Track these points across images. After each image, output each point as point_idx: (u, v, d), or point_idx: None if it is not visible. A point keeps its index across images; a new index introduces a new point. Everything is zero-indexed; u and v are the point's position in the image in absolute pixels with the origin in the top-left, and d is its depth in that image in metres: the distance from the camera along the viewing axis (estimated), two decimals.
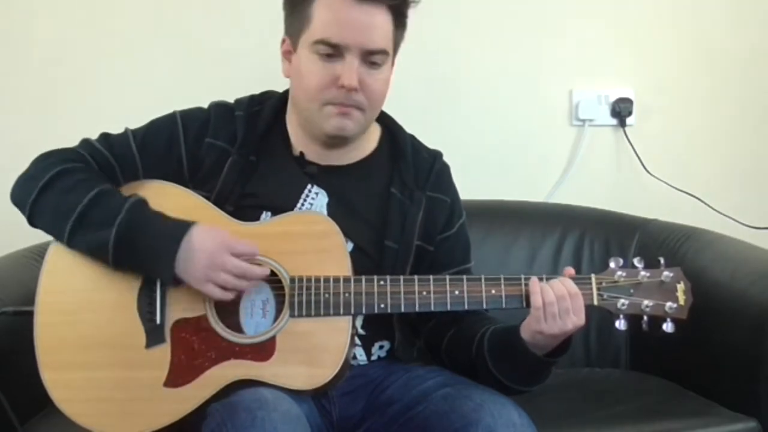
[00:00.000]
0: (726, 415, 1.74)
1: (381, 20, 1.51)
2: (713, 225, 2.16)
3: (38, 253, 1.76)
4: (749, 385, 1.76)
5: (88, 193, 1.47)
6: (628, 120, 2.39)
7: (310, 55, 1.51)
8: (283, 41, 1.58)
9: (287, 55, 1.57)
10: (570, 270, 1.48)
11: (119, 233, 1.43)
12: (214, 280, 1.43)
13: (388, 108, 1.66)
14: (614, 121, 2.40)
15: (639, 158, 2.38)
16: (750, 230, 2.28)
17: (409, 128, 1.69)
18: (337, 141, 1.57)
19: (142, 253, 1.44)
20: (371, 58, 1.51)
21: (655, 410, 1.79)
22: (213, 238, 1.44)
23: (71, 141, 1.60)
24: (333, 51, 1.49)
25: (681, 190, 2.35)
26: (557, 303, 1.42)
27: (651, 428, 1.71)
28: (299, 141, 1.61)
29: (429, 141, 1.72)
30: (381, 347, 1.60)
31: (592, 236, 2.19)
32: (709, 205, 2.33)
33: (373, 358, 1.59)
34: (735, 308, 1.81)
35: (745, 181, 2.45)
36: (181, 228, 1.44)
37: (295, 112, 1.60)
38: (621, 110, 2.38)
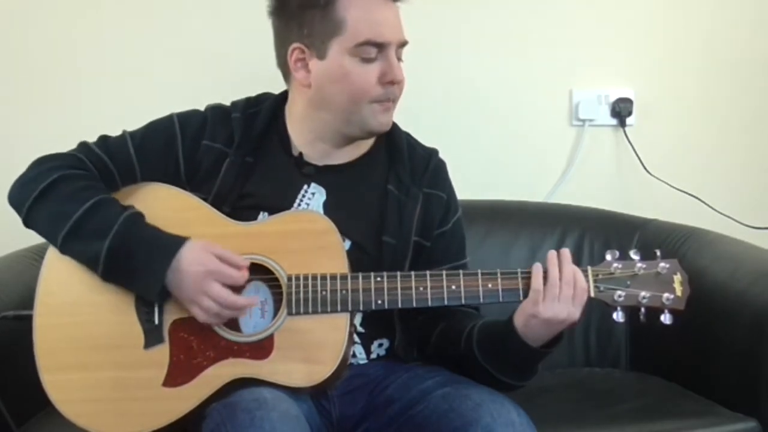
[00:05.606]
0: (726, 415, 1.74)
1: (398, 13, 1.56)
2: (713, 225, 2.16)
3: (38, 253, 1.75)
4: (749, 385, 1.75)
5: (85, 202, 1.46)
6: (628, 120, 2.39)
7: (350, 58, 1.52)
8: (293, 50, 1.55)
9: (300, 63, 1.55)
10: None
11: (111, 248, 1.43)
12: (199, 303, 1.43)
13: None
14: (614, 121, 2.40)
15: (639, 158, 2.37)
16: (750, 230, 2.28)
17: (409, 127, 1.69)
18: (371, 137, 1.61)
19: (132, 269, 1.44)
20: (399, 51, 1.56)
21: (655, 410, 1.78)
22: (201, 263, 1.42)
23: (69, 142, 1.60)
24: (378, 50, 1.52)
25: (681, 190, 2.35)
26: (561, 286, 1.42)
27: (651, 428, 1.71)
28: (302, 141, 1.61)
29: (429, 141, 1.72)
30: (380, 345, 1.60)
31: (592, 236, 2.18)
32: (709, 205, 2.32)
33: (373, 356, 1.59)
34: (735, 308, 1.80)
35: (745, 181, 2.45)
36: (172, 247, 1.43)
37: (306, 115, 1.59)
38: (621, 110, 2.37)
